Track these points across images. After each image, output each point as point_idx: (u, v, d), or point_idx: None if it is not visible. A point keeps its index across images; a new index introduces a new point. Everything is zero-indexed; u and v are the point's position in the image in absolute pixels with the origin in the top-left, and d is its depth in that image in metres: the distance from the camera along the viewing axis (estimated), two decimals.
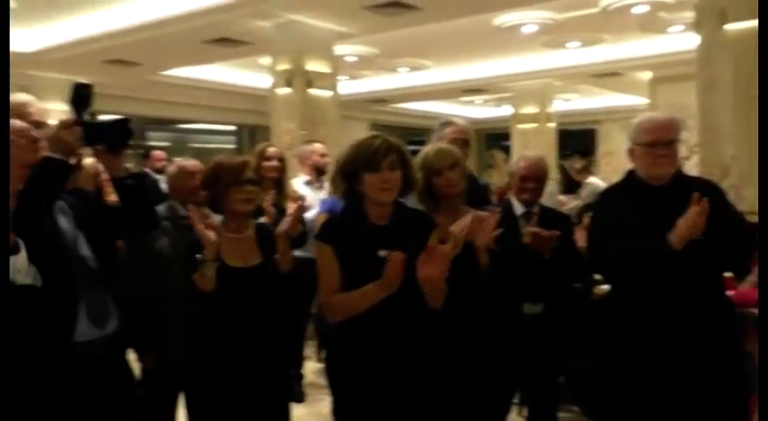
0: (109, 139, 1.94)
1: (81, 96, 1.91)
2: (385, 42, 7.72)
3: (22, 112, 2.40)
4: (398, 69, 9.73)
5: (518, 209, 2.86)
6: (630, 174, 2.47)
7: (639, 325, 2.31)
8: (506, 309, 2.50)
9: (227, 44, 7.21)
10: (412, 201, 2.81)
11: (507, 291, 2.43)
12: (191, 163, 2.90)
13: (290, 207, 3.22)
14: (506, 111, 12.29)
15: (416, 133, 15.29)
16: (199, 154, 11.19)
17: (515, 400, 3.08)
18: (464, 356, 2.30)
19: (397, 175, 2.01)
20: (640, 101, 11.12)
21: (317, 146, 4.42)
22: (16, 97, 2.55)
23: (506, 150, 10.76)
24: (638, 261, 2.26)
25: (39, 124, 2.31)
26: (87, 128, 1.88)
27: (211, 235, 2.23)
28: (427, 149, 2.48)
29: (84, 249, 2.00)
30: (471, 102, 13.70)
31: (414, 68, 9.68)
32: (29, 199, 1.78)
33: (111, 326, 2.02)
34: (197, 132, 12.96)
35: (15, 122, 2.08)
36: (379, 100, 11.98)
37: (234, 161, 2.42)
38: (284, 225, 2.47)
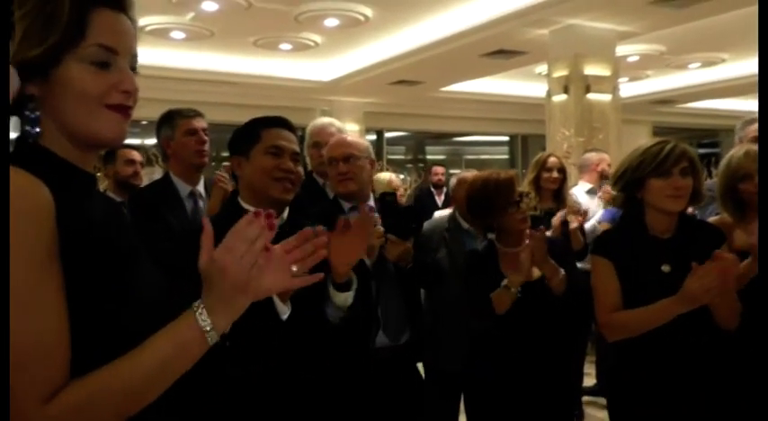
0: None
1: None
2: (672, 38, 7.10)
3: (325, 133, 2.72)
4: (689, 66, 8.87)
5: None
6: None
7: None
8: None
9: (503, 55, 7.30)
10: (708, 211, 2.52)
11: None
12: (471, 175, 2.95)
13: (572, 220, 3.14)
14: None
15: (707, 135, 13.77)
16: (472, 165, 11.57)
17: None
18: None
19: (689, 183, 1.89)
20: None
21: (605, 155, 4.31)
22: (319, 120, 2.91)
23: None
24: None
25: None
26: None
27: (525, 262, 2.20)
28: (734, 151, 2.23)
29: (390, 266, 2.16)
30: None
31: (707, 63, 8.77)
32: None
33: (404, 338, 2.15)
34: (471, 144, 13.35)
35: (362, 142, 2.32)
36: (665, 101, 11.02)
37: (501, 180, 2.35)
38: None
